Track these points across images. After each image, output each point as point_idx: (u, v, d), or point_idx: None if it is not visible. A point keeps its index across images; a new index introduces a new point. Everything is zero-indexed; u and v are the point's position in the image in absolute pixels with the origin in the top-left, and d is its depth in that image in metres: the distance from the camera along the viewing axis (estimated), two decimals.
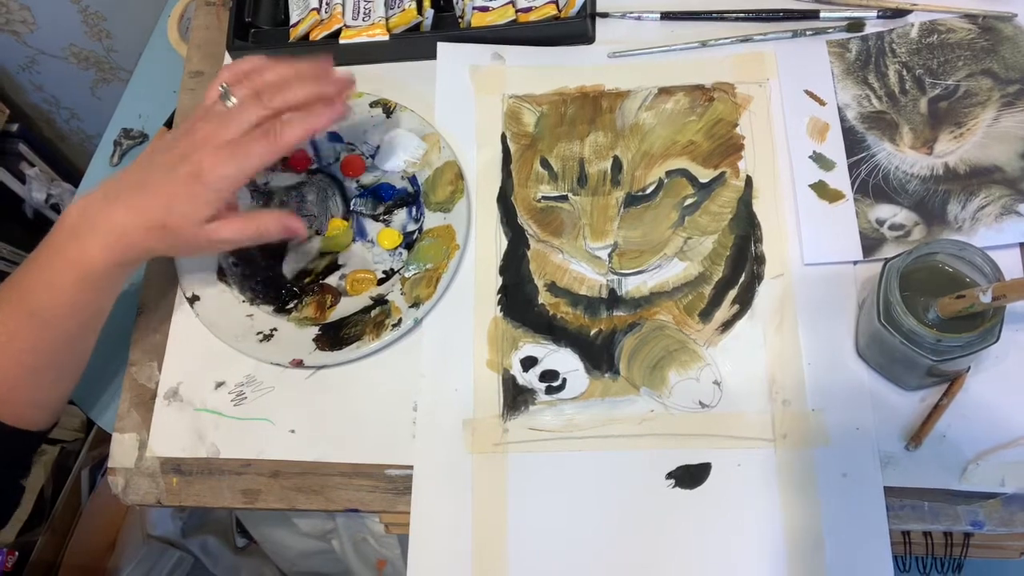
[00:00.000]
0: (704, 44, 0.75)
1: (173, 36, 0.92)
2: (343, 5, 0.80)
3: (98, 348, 0.82)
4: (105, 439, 1.51)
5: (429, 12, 0.78)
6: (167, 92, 0.91)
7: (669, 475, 0.64)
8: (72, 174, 1.54)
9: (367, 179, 0.76)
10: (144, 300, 0.75)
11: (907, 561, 0.69)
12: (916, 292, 0.59)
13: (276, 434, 0.69)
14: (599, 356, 0.67)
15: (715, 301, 0.68)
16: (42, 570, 1.39)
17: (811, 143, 0.70)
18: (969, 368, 0.63)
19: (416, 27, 0.78)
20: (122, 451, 0.70)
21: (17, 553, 1.28)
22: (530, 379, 0.68)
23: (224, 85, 0.63)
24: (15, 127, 1.41)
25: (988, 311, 0.56)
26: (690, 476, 0.64)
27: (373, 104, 0.77)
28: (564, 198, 0.72)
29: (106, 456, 1.51)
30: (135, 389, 0.72)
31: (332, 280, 0.73)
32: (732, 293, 0.68)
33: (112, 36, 1.32)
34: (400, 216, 0.74)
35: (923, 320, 0.57)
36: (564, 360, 0.68)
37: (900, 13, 0.73)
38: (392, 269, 0.72)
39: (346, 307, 0.71)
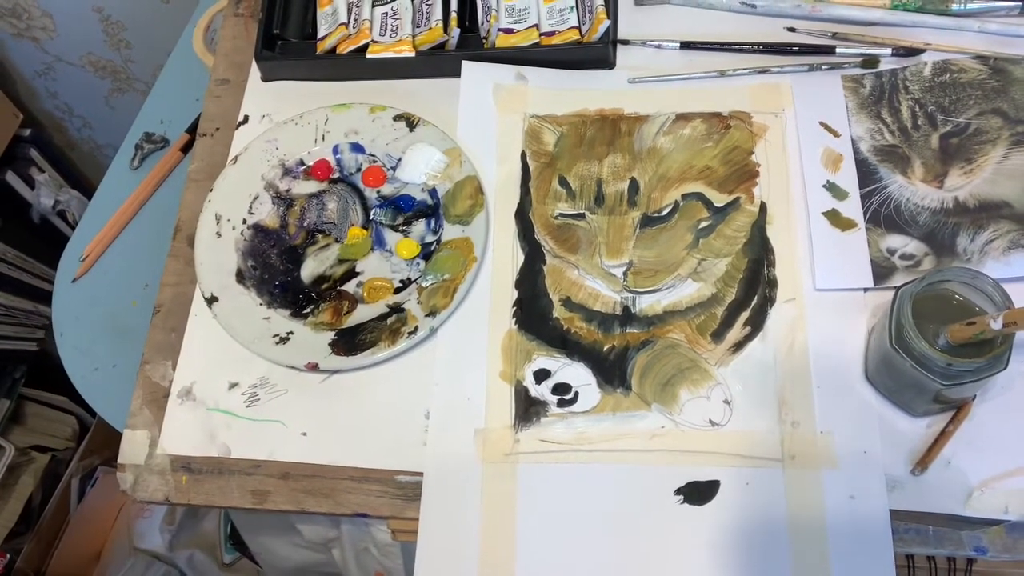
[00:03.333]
0: (722, 74, 0.77)
1: (198, 45, 0.94)
2: (371, 21, 0.81)
3: (107, 346, 0.83)
4: (96, 450, 1.52)
5: (455, 31, 0.80)
6: (190, 99, 0.92)
7: (678, 491, 0.64)
8: (81, 182, 1.55)
9: (387, 190, 0.78)
10: (160, 299, 0.76)
11: None
12: (925, 320, 0.60)
13: (287, 436, 0.69)
14: (611, 371, 0.68)
15: (727, 322, 0.69)
16: None
17: (825, 173, 0.72)
18: (975, 396, 0.64)
19: (442, 45, 0.80)
20: (132, 448, 0.71)
21: (8, 555, 1.27)
22: (542, 391, 0.68)
23: None
24: (27, 132, 1.43)
25: (997, 339, 0.58)
26: (698, 493, 0.64)
27: (396, 118, 0.78)
28: (581, 216, 0.74)
29: (96, 466, 1.51)
30: (148, 386, 0.73)
31: (349, 287, 0.74)
32: (744, 315, 0.69)
33: (131, 46, 1.34)
34: (419, 227, 0.76)
35: (933, 346, 0.59)
36: (577, 374, 0.69)
37: (914, 52, 0.75)
38: (409, 278, 0.73)
39: (362, 314, 0.72)
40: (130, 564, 1.45)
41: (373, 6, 0.83)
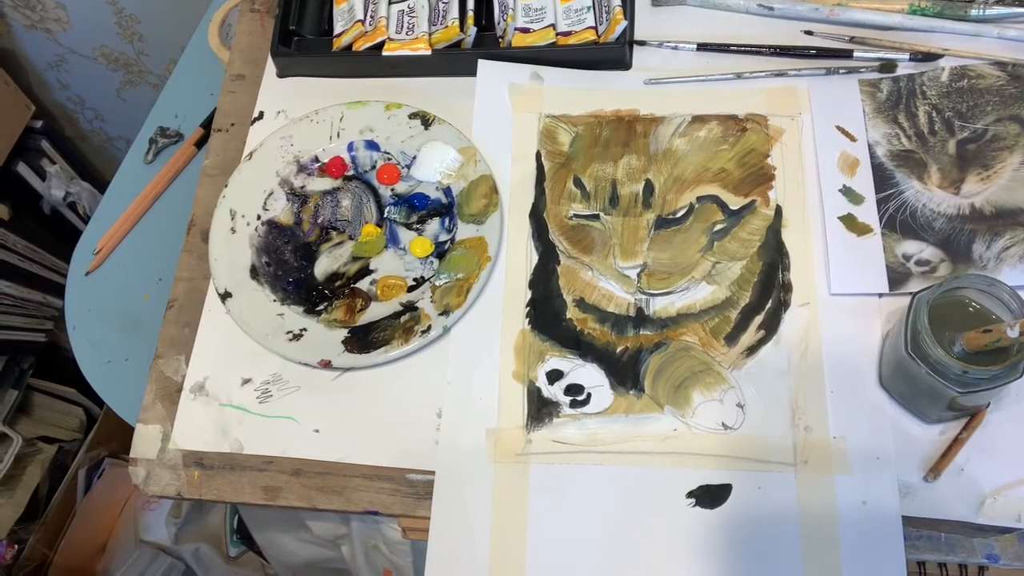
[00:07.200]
0: (739, 76, 0.77)
1: (214, 41, 0.94)
2: (388, 18, 0.81)
3: (119, 339, 0.83)
4: (103, 441, 1.52)
5: (472, 30, 0.80)
6: (204, 94, 0.93)
7: (690, 494, 0.64)
8: (92, 174, 1.55)
9: (402, 188, 0.78)
10: (174, 294, 0.76)
11: None
12: (941, 327, 0.59)
13: (300, 433, 0.69)
14: (624, 373, 0.68)
15: (741, 325, 0.69)
16: (32, 568, 1.38)
17: (841, 177, 0.72)
18: (989, 404, 0.64)
19: (458, 44, 0.80)
20: (145, 442, 0.71)
21: (16, 546, 1.27)
22: (555, 392, 0.68)
23: None
24: (39, 124, 1.43)
25: (1013, 347, 0.57)
26: (710, 496, 0.64)
27: (412, 116, 0.78)
28: (596, 217, 0.73)
29: (103, 458, 1.51)
30: (161, 381, 0.73)
31: (363, 285, 0.74)
32: (758, 319, 0.69)
33: (144, 39, 1.34)
34: (433, 226, 0.76)
35: (949, 353, 0.58)
36: (589, 375, 0.69)
37: (931, 57, 0.75)
38: (423, 277, 0.74)
39: (376, 312, 0.72)
40: (135, 556, 1.45)
41: (390, 4, 0.83)
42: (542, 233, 0.74)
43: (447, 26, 0.80)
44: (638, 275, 0.71)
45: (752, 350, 0.68)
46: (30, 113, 1.39)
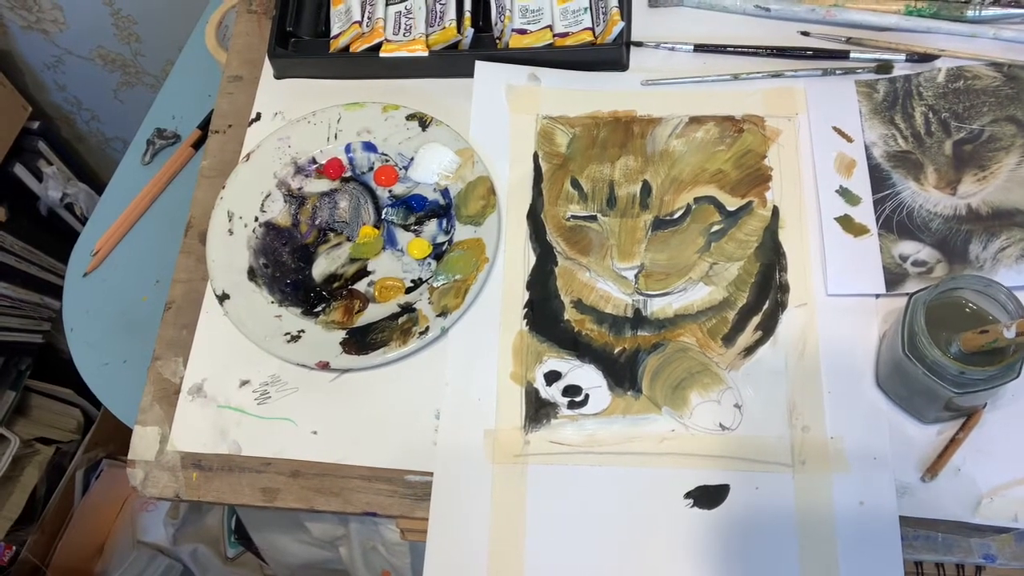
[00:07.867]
0: (736, 77, 0.77)
1: (211, 42, 0.94)
2: (385, 20, 0.82)
3: (117, 341, 0.83)
4: (101, 442, 1.52)
5: (469, 31, 0.80)
6: (201, 95, 0.93)
7: (687, 495, 0.64)
8: (89, 175, 1.55)
9: (399, 189, 0.78)
10: (172, 296, 0.76)
11: None
12: (937, 328, 0.60)
13: (298, 434, 0.69)
14: (622, 374, 0.68)
15: (738, 326, 0.69)
16: (30, 570, 1.38)
17: (838, 178, 0.72)
18: (986, 404, 0.64)
19: (455, 45, 0.80)
20: (143, 444, 0.71)
21: (14, 548, 1.27)
22: (553, 393, 0.68)
23: None
24: (36, 125, 1.43)
25: (1010, 347, 0.58)
26: (708, 497, 0.64)
27: (409, 117, 0.78)
28: (593, 218, 0.74)
29: (101, 459, 1.51)
30: (159, 383, 0.73)
31: (360, 286, 0.74)
32: (755, 319, 0.69)
33: (141, 40, 1.34)
34: (431, 227, 0.76)
35: (946, 354, 0.59)
36: (587, 376, 0.69)
37: (928, 58, 0.75)
38: (420, 278, 0.74)
39: (374, 313, 0.72)
40: (133, 557, 1.45)
41: (387, 5, 0.83)
42: (540, 234, 0.74)
43: (444, 27, 0.80)
44: (636, 276, 0.71)
45: (749, 351, 0.68)
46: (27, 114, 1.39)
